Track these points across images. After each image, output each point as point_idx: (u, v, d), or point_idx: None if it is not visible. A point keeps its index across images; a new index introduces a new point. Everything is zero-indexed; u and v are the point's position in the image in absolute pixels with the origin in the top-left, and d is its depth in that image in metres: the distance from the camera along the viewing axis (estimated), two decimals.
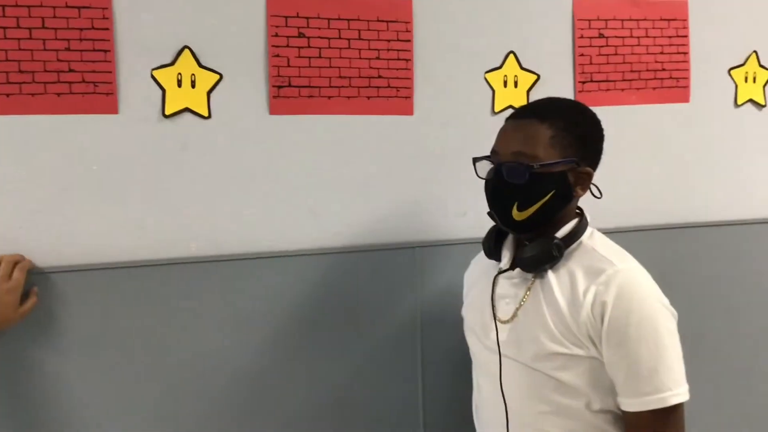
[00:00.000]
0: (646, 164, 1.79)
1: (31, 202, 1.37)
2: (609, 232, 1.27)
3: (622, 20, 1.74)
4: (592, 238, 1.21)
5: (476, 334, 1.30)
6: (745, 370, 1.86)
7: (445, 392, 1.63)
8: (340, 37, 1.54)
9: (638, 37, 1.76)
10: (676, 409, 1.08)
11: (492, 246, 1.27)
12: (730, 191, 1.86)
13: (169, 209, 1.45)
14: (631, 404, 1.09)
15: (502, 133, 1.22)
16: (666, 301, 1.13)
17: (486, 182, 1.22)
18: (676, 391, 1.07)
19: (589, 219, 1.23)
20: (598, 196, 1.21)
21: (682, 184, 1.83)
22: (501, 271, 1.24)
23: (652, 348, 1.07)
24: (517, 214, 1.16)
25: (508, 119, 1.24)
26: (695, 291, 1.78)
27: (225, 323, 1.48)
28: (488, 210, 1.23)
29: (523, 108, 1.25)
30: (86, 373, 1.39)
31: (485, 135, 1.61)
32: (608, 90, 1.75)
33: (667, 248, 1.77)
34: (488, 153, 1.23)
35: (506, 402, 1.20)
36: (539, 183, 1.14)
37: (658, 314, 1.10)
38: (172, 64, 1.43)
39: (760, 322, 1.88)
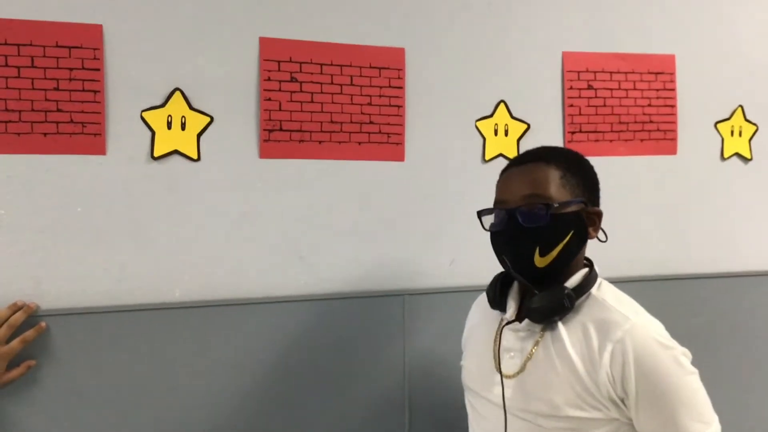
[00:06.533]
0: (633, 215, 1.80)
1: (13, 245, 1.33)
2: None
3: (611, 73, 1.77)
4: (600, 289, 1.16)
5: (477, 386, 1.24)
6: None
7: None
8: (332, 83, 1.54)
9: (626, 90, 1.78)
10: None
11: (497, 296, 1.20)
12: (716, 244, 1.87)
13: (154, 253, 1.42)
14: None
15: (508, 180, 1.16)
16: (679, 346, 1.09)
17: (496, 234, 1.15)
18: (713, 429, 1.05)
19: (598, 270, 1.18)
20: (604, 239, 1.17)
21: (668, 235, 1.83)
22: (507, 323, 1.17)
23: (685, 399, 1.04)
24: (539, 260, 1.10)
25: (509, 167, 1.19)
26: (680, 343, 1.75)
27: (211, 370, 1.44)
28: (503, 270, 1.17)
29: (524, 154, 1.20)
30: (63, 419, 1.34)
31: (475, 183, 1.64)
32: (597, 141, 1.76)
33: (654, 299, 1.74)
34: (487, 205, 1.17)
35: None
36: (559, 224, 1.09)
37: (681, 362, 1.06)
38: (162, 105, 1.41)
39: (746, 374, 1.87)
